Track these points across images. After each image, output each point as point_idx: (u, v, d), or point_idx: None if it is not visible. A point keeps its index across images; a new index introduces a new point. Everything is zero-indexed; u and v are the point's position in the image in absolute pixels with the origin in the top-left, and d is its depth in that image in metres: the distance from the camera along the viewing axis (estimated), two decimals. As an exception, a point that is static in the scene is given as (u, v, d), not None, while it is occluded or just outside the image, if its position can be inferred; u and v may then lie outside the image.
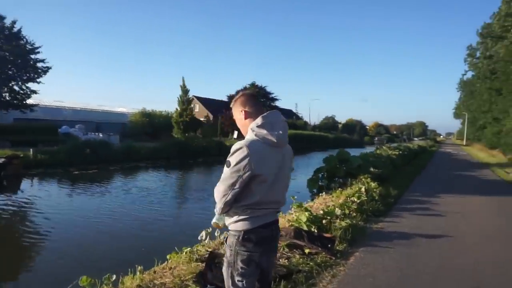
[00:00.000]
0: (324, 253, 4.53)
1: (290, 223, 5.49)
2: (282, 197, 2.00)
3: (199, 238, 5.35)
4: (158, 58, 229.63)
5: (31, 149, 16.96)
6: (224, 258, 1.94)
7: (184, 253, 4.56)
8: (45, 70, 26.47)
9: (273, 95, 47.14)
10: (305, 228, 5.21)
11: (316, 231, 5.17)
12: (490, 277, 4.03)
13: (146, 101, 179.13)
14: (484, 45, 37.22)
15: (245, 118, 1.94)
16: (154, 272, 4.11)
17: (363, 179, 9.38)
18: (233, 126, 41.70)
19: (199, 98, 47.00)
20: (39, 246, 7.15)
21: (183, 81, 31.78)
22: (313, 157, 31.18)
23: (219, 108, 43.78)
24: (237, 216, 1.84)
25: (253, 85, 45.97)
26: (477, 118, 38.23)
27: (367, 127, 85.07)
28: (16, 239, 7.78)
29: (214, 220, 2.03)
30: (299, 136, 37.29)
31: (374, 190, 8.37)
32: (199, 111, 45.13)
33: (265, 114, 1.89)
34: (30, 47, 25.64)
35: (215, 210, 1.90)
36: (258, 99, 2.06)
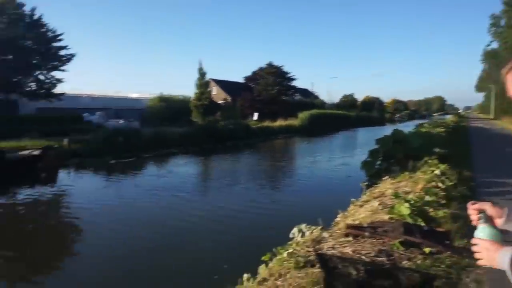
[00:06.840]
0: (449, 252, 3.96)
1: (389, 216, 4.93)
2: None
3: (291, 235, 4.84)
4: (167, 39, 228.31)
5: (65, 139, 16.54)
6: None
7: (283, 255, 4.02)
8: (69, 57, 25.94)
9: (290, 75, 45.85)
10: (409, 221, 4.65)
11: (424, 224, 4.60)
12: None
13: (160, 87, 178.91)
14: (508, 14, 35.33)
15: None
16: (264, 280, 3.62)
17: (430, 161, 8.69)
18: (253, 108, 40.92)
19: (215, 81, 46.13)
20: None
21: (200, 64, 31.17)
22: (342, 137, 30.53)
23: (236, 90, 42.95)
24: None
25: (270, 65, 44.75)
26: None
27: (385, 104, 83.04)
28: (83, 233, 7.49)
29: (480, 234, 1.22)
30: (324, 116, 36.29)
31: (448, 173, 7.70)
32: (216, 93, 44.37)
33: None
34: (52, 34, 24.90)
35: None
36: None
